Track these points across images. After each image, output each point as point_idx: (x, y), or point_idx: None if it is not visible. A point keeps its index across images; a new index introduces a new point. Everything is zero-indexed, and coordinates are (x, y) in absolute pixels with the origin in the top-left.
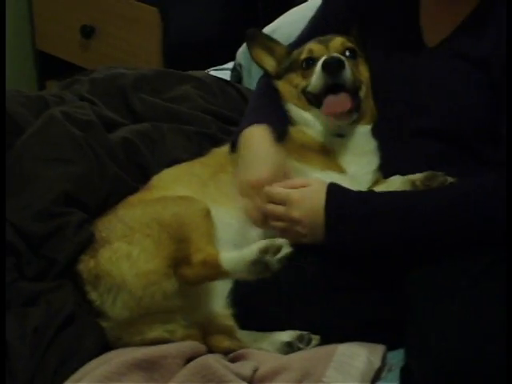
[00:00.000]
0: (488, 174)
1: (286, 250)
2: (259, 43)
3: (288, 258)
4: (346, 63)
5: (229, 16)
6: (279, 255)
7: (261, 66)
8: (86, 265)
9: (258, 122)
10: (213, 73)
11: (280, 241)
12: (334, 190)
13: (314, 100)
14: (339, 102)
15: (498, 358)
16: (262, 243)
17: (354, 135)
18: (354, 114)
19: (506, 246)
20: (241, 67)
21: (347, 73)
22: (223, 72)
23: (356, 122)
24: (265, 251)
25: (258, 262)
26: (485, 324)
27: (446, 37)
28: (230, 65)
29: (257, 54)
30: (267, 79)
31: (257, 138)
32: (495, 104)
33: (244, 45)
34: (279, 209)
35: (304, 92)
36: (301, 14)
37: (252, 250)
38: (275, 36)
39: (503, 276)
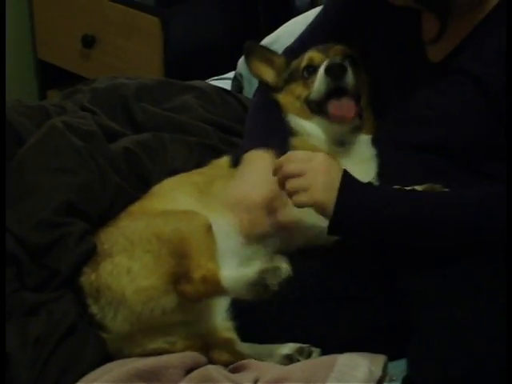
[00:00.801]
0: (484, 186)
1: (286, 272)
2: (258, 56)
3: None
4: (348, 68)
5: (229, 26)
6: (278, 278)
7: (260, 79)
8: (87, 278)
9: (261, 143)
10: (214, 82)
11: (280, 264)
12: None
13: (316, 108)
14: (344, 106)
15: (501, 369)
16: (264, 265)
17: (356, 144)
18: (357, 119)
19: (506, 255)
20: (242, 77)
21: (350, 76)
22: (224, 81)
23: (357, 130)
24: (265, 273)
25: (258, 283)
26: (488, 334)
27: (449, 52)
28: (231, 74)
29: (256, 67)
30: (264, 91)
31: (258, 165)
32: (492, 121)
33: None
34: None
35: (306, 101)
36: (302, 24)
37: (252, 270)
38: (276, 46)
39: (504, 286)
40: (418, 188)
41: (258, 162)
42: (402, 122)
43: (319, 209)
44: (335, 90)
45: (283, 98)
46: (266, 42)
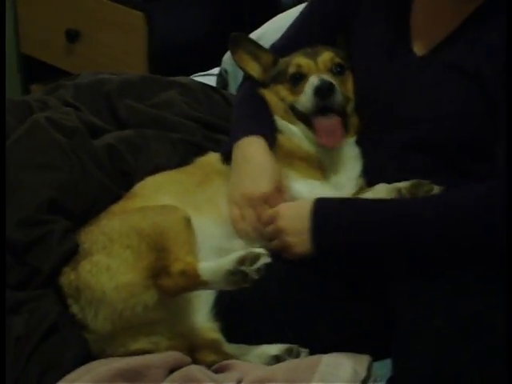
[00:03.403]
0: (474, 186)
1: (264, 259)
2: (244, 48)
3: (267, 268)
4: (337, 86)
5: (214, 21)
6: (257, 265)
7: (244, 71)
8: (67, 277)
9: (252, 131)
10: (198, 78)
11: (258, 250)
12: (318, 199)
13: (302, 117)
14: (331, 131)
15: (487, 371)
16: (240, 253)
17: (340, 146)
18: (346, 136)
19: (506, 261)
20: (226, 73)
21: (338, 96)
22: (209, 77)
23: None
24: (243, 261)
25: (236, 272)
26: (474, 336)
27: (435, 46)
28: (216, 70)
29: (240, 58)
30: (250, 83)
31: (255, 149)
32: (483, 116)
33: None
34: (269, 227)
35: (292, 107)
36: (287, 20)
37: (230, 259)
38: (261, 42)
39: (492, 290)
40: (406, 184)
41: (252, 152)
42: (388, 120)
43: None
44: (322, 108)
45: (269, 95)
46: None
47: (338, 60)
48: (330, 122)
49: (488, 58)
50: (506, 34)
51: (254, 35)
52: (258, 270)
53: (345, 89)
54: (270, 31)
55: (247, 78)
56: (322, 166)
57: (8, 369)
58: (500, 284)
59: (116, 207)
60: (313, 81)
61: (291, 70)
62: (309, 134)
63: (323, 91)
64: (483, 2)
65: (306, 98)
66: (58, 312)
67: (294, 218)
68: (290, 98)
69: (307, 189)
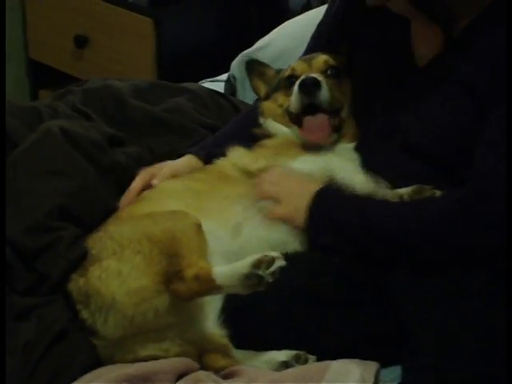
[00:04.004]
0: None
1: (280, 263)
2: (255, 72)
3: (281, 272)
4: (324, 83)
5: (223, 27)
6: (272, 268)
7: (257, 94)
8: (75, 283)
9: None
10: (207, 84)
11: (273, 254)
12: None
13: (295, 119)
14: (317, 126)
15: (499, 377)
16: (255, 257)
17: (335, 151)
18: (334, 135)
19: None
20: (235, 79)
21: (324, 93)
22: (217, 83)
23: (337, 140)
24: (258, 264)
25: (252, 276)
26: (486, 342)
27: (433, 57)
28: (224, 76)
29: (254, 83)
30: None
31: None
32: (478, 128)
33: (238, 57)
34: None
35: (287, 111)
36: (295, 27)
37: (245, 263)
38: (269, 49)
39: (501, 292)
40: (408, 190)
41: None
42: (387, 128)
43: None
44: (310, 106)
45: (267, 104)
46: (259, 44)
47: (332, 63)
48: (316, 120)
49: (480, 67)
50: (506, 37)
51: (262, 42)
52: (273, 273)
53: (339, 92)
54: (278, 38)
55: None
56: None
57: (16, 374)
58: (498, 292)
59: (123, 212)
60: (300, 79)
61: (286, 73)
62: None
63: (307, 87)
64: (481, 12)
65: (293, 97)
66: (67, 318)
67: (295, 195)
68: (285, 102)
69: (303, 164)
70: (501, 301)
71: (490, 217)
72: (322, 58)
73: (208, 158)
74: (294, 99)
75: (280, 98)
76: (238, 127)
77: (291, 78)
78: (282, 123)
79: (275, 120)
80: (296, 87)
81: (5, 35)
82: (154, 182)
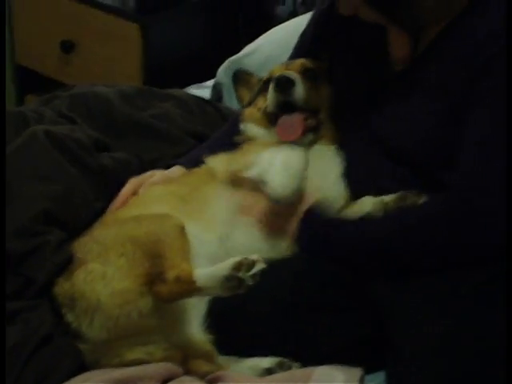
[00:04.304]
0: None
1: (260, 265)
2: (240, 82)
3: (262, 275)
4: (298, 81)
5: (210, 34)
6: (253, 271)
7: (241, 103)
8: (61, 287)
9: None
10: (193, 90)
11: (253, 257)
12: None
13: (273, 120)
14: (291, 125)
15: (483, 379)
16: (236, 259)
17: (315, 152)
18: (309, 135)
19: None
20: (221, 85)
21: (298, 90)
22: (204, 90)
23: (313, 141)
24: (238, 267)
25: (232, 278)
26: (472, 350)
27: (411, 61)
28: (211, 82)
29: (239, 93)
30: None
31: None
32: (452, 129)
33: (225, 63)
34: None
35: (264, 112)
36: (282, 33)
37: (225, 265)
38: (256, 55)
39: (487, 301)
40: (392, 197)
41: None
42: (368, 133)
43: None
44: (285, 104)
45: (248, 110)
46: (246, 51)
47: (308, 65)
48: (291, 118)
49: (454, 71)
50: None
51: (248, 48)
52: (254, 276)
53: (316, 94)
54: (265, 44)
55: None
56: None
57: (1, 379)
58: (493, 292)
59: (108, 217)
60: (275, 77)
61: (265, 77)
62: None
63: (281, 84)
64: (456, 16)
65: (269, 96)
66: (53, 322)
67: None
68: (264, 104)
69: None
70: (494, 301)
71: (477, 216)
72: (299, 61)
73: None
74: (269, 98)
75: (260, 101)
76: (224, 136)
77: (269, 81)
78: (261, 126)
79: (255, 124)
80: (271, 85)
81: (5, 36)
82: (141, 191)
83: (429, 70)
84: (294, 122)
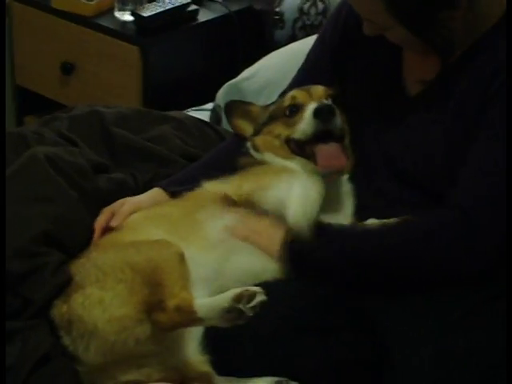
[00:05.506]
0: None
1: (260, 297)
2: (237, 112)
3: (262, 306)
4: (337, 110)
5: (209, 57)
6: (253, 303)
7: (241, 134)
8: (58, 309)
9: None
10: (192, 113)
11: (254, 288)
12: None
13: (297, 149)
14: (333, 154)
15: None
16: (236, 291)
17: (344, 172)
18: (348, 162)
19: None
20: (220, 108)
21: (338, 119)
22: (203, 112)
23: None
24: (239, 299)
25: (232, 310)
26: (469, 371)
27: (426, 85)
28: (210, 105)
29: (236, 124)
30: (231, 140)
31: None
32: (462, 151)
33: (224, 86)
34: None
35: (286, 140)
36: (280, 58)
37: (226, 297)
38: (255, 79)
39: (481, 322)
40: (395, 220)
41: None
42: (377, 156)
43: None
44: (322, 133)
45: (259, 139)
46: (244, 75)
47: (331, 92)
48: (332, 147)
49: (468, 95)
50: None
51: (247, 72)
52: (254, 307)
53: (344, 122)
54: (263, 68)
55: (234, 134)
56: None
57: None
58: (489, 316)
59: (105, 240)
60: (312, 106)
61: (286, 102)
62: (307, 165)
63: (324, 113)
64: (471, 43)
65: (305, 124)
66: (51, 342)
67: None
68: (285, 131)
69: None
70: (492, 320)
71: (477, 231)
72: (320, 88)
73: (175, 193)
74: (305, 125)
75: (277, 128)
76: (212, 162)
77: (292, 107)
78: (281, 156)
79: (272, 152)
80: (310, 113)
81: (5, 57)
82: (113, 223)
83: (448, 93)
84: (334, 150)
